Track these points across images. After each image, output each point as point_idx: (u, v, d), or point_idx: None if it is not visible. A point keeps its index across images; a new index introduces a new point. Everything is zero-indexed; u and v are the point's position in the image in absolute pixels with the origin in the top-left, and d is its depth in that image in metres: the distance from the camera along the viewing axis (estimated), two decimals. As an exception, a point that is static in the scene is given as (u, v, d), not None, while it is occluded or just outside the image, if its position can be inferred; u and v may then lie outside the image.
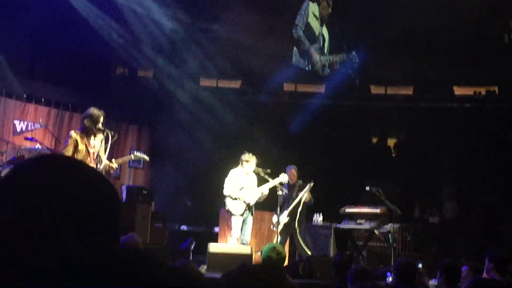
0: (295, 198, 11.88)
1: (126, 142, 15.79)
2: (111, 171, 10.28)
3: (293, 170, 12.35)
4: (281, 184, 11.58)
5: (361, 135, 17.63)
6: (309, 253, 11.61)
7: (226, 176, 11.54)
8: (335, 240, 12.35)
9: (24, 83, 14.94)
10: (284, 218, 11.79)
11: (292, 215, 11.89)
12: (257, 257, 10.56)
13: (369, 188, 12.49)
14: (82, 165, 1.46)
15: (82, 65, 15.31)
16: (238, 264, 3.58)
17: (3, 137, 13.10)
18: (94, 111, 9.39)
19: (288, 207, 11.92)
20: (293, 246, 12.35)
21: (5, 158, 11.68)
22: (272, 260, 6.72)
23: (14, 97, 14.59)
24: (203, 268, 10.03)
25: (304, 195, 11.79)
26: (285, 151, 15.43)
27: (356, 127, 16.95)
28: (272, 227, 11.92)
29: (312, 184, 11.86)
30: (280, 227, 11.57)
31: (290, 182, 12.15)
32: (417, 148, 17.30)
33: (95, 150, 9.27)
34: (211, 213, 14.07)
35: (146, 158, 10.62)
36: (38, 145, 11.44)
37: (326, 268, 9.12)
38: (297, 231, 11.85)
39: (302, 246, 11.81)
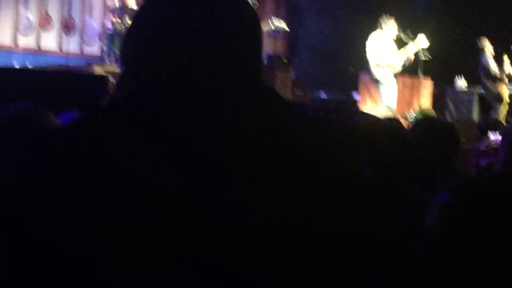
0: None
1: (265, 10, 15.75)
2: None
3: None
4: (423, 49, 11.32)
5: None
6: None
7: (364, 41, 11.31)
8: (479, 105, 12.10)
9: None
10: None
11: None
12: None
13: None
14: None
15: None
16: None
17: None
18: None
19: None
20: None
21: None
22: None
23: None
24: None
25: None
26: (426, 14, 14.85)
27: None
28: None
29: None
30: None
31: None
32: None
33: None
34: (350, 79, 13.93)
35: (286, 28, 10.60)
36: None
37: (470, 132, 8.98)
38: None
39: None
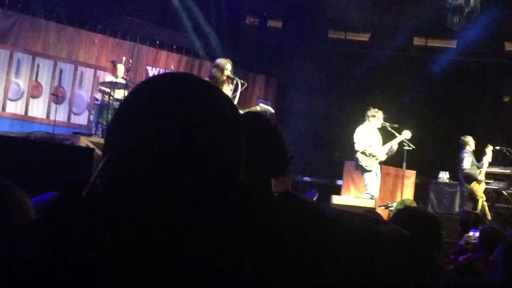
0: None
1: (254, 92, 15.98)
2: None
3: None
4: (406, 139, 11.45)
5: (492, 93, 17.04)
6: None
7: (350, 128, 11.46)
8: (460, 199, 12.15)
9: (157, 30, 15.39)
10: None
11: None
12: (380, 211, 10.52)
13: (500, 148, 12.16)
14: (205, 83, 1.29)
15: (213, 14, 15.59)
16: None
17: (136, 82, 13.53)
18: (220, 60, 9.59)
19: None
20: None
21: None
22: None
23: (147, 43, 15.06)
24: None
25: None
26: (411, 107, 15.16)
27: (487, 85, 16.39)
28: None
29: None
30: None
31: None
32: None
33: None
34: (334, 165, 14.06)
35: (272, 110, 10.75)
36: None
37: (451, 226, 8.99)
38: None
39: None
